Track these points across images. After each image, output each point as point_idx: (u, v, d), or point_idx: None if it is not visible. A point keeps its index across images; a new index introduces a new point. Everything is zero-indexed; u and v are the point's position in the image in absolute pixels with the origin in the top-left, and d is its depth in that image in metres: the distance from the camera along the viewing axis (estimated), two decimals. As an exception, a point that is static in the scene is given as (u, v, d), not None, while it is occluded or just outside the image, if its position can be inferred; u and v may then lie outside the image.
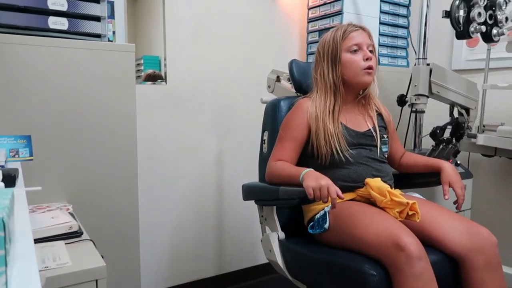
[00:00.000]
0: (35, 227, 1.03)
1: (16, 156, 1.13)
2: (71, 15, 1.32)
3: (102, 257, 0.96)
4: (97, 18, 1.38)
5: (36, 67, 1.26)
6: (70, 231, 1.06)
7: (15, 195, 0.54)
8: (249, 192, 1.37)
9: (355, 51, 1.27)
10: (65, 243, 1.01)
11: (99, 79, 1.35)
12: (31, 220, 0.65)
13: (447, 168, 1.29)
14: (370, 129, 1.32)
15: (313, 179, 1.10)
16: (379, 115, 1.38)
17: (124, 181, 1.42)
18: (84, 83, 1.33)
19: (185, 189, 1.99)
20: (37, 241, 0.99)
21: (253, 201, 1.38)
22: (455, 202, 1.25)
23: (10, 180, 0.81)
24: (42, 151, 1.27)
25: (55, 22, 1.30)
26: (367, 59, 1.27)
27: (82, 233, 1.08)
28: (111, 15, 1.65)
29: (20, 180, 0.87)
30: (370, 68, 1.27)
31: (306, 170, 1.15)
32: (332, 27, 2.08)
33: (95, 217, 1.36)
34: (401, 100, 1.76)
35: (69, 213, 1.19)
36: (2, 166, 0.92)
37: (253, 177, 1.54)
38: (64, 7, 1.31)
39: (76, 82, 1.32)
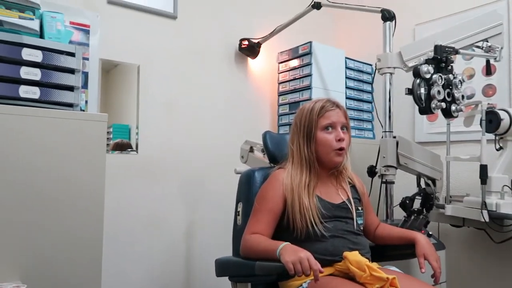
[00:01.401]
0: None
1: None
2: (44, 85, 1.31)
3: None
4: (70, 88, 1.37)
5: (1, 136, 1.20)
6: (22, 317, 0.94)
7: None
8: (222, 268, 1.30)
9: (329, 129, 1.31)
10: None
11: (68, 149, 1.30)
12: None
13: (421, 240, 1.29)
14: (344, 201, 1.32)
15: (292, 253, 1.06)
16: (353, 186, 1.39)
17: (86, 257, 1.31)
18: (52, 154, 1.28)
19: (152, 264, 1.87)
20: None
21: (227, 277, 1.31)
22: (432, 276, 1.23)
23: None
24: (-3, 226, 1.17)
25: (26, 91, 1.28)
26: (339, 140, 1.30)
27: (36, 319, 0.96)
28: (85, 85, 1.66)
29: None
30: (341, 149, 1.30)
31: (282, 244, 1.12)
32: (302, 101, 2.19)
33: (51, 298, 1.23)
34: (371, 171, 1.81)
35: (23, 295, 1.08)
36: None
37: (226, 252, 1.47)
38: (37, 77, 1.30)
39: (42, 153, 1.26)
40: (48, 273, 1.24)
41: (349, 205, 1.32)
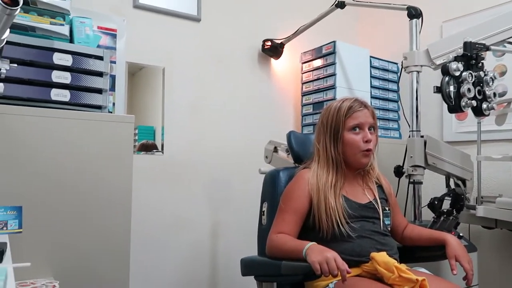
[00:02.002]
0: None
1: (4, 228, 1.08)
2: (74, 88, 1.35)
3: None
4: (99, 91, 1.41)
5: (34, 138, 1.25)
6: (55, 312, 0.97)
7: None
8: (248, 267, 1.30)
9: (356, 130, 1.28)
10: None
11: (97, 150, 1.34)
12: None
13: (452, 241, 1.25)
14: (371, 201, 1.30)
15: (318, 253, 1.05)
16: (379, 186, 1.37)
17: (115, 256, 1.34)
18: (81, 155, 1.32)
19: (178, 263, 1.89)
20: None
21: (252, 277, 1.31)
22: (464, 278, 1.20)
23: (-2, 255, 0.77)
24: (30, 224, 1.21)
25: (57, 94, 1.32)
26: (366, 141, 1.27)
27: (68, 315, 0.99)
28: (112, 88, 1.70)
29: (7, 255, 0.82)
30: (368, 150, 1.28)
31: (309, 244, 1.11)
32: (326, 101, 2.17)
33: (82, 295, 1.26)
34: (398, 171, 1.77)
35: (55, 291, 1.11)
36: (-10, 240, 0.87)
37: (251, 251, 1.47)
38: (67, 80, 1.34)
39: (72, 154, 1.30)
40: (79, 271, 1.28)
41: (375, 205, 1.29)
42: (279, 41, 2.29)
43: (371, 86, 2.29)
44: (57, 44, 1.34)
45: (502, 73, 2.08)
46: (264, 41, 2.28)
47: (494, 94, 1.52)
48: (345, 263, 1.04)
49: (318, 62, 2.25)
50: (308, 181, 1.27)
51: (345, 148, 1.29)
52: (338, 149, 1.29)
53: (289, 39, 2.28)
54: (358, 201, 1.28)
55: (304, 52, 2.34)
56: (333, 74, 2.16)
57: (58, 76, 1.32)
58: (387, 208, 1.33)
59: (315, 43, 2.28)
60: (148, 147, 1.95)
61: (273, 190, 1.41)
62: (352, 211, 1.24)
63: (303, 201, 1.26)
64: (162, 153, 1.92)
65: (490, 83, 1.51)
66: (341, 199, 1.25)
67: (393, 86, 2.40)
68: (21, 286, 1.14)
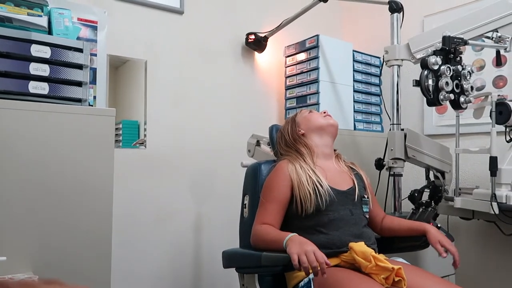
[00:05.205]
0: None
1: (-19, 223, 1.06)
2: (53, 80, 1.33)
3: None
4: (78, 83, 1.39)
5: (11, 131, 1.23)
6: (34, 306, 0.97)
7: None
8: (229, 259, 1.31)
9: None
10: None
11: (77, 144, 1.32)
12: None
13: (432, 229, 1.30)
14: (351, 188, 1.32)
15: (297, 245, 1.07)
16: (357, 174, 1.40)
17: (96, 252, 1.33)
18: (61, 148, 1.30)
19: (161, 256, 1.89)
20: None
21: (234, 269, 1.32)
22: (453, 263, 1.24)
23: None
24: (8, 219, 1.19)
25: (35, 87, 1.30)
26: (323, 113, 1.43)
27: (47, 309, 0.98)
28: (93, 81, 1.68)
29: (-17, 250, 0.81)
30: (326, 114, 1.43)
31: (289, 235, 1.12)
32: (309, 95, 2.18)
33: (62, 290, 1.25)
34: (379, 164, 1.80)
35: (35, 286, 1.10)
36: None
37: (234, 244, 1.48)
38: (46, 73, 1.32)
39: (52, 147, 1.28)
40: (59, 265, 1.27)
41: (354, 192, 1.32)
42: (262, 35, 2.29)
43: (354, 80, 2.31)
44: (35, 36, 1.31)
45: (481, 67, 2.12)
46: (248, 34, 2.28)
47: (472, 88, 1.55)
48: (324, 255, 1.06)
49: (302, 56, 2.26)
50: (287, 170, 1.30)
51: (306, 127, 1.41)
52: (297, 132, 1.41)
53: (272, 32, 2.28)
54: (338, 188, 1.30)
55: (287, 46, 2.35)
56: (316, 68, 2.17)
57: (36, 69, 1.30)
58: (366, 196, 1.35)
59: (299, 36, 2.28)
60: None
61: (254, 183, 1.42)
62: (332, 197, 1.26)
63: (284, 190, 1.28)
64: (145, 147, 1.91)
65: (468, 77, 1.54)
66: (323, 185, 1.26)
67: (375, 80, 2.42)
68: None
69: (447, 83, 1.48)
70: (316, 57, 2.17)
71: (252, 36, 2.27)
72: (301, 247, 1.06)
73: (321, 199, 1.23)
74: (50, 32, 1.40)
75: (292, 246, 1.08)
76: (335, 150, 1.44)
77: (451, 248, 1.24)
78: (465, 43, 1.58)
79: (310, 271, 1.04)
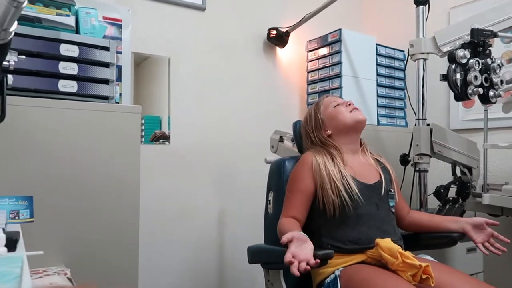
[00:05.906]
0: (32, 294, 0.97)
1: (16, 217, 1.10)
2: (81, 79, 1.36)
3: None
4: (105, 81, 1.42)
5: (43, 129, 1.27)
6: (67, 298, 1.00)
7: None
8: (255, 255, 1.32)
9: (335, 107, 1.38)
10: (62, 312, 0.95)
11: (104, 140, 1.36)
12: None
13: (470, 226, 1.31)
14: (377, 182, 1.31)
15: (296, 243, 1.04)
16: (384, 168, 1.38)
17: (124, 245, 1.37)
18: (89, 145, 1.33)
19: (185, 251, 1.92)
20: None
21: (259, 265, 1.33)
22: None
23: (11, 244, 0.79)
24: (41, 213, 1.23)
25: (65, 85, 1.34)
26: (349, 105, 1.37)
27: (80, 301, 1.02)
28: (118, 78, 1.71)
29: (20, 244, 0.84)
30: (353, 108, 1.37)
31: (292, 233, 1.09)
32: (332, 89, 2.16)
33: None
34: (404, 160, 1.77)
35: (67, 278, 1.14)
36: (3, 229, 0.89)
37: (258, 240, 1.49)
38: (74, 71, 1.35)
39: (81, 144, 1.32)
40: (90, 259, 1.30)
41: (381, 185, 1.31)
42: (284, 30, 2.28)
43: (377, 74, 2.28)
44: (64, 35, 1.35)
45: (510, 60, 2.05)
46: (269, 29, 2.27)
47: (501, 82, 1.51)
48: (310, 254, 1.00)
49: (324, 51, 2.24)
50: (312, 162, 1.29)
51: (332, 124, 1.36)
52: (323, 134, 1.37)
53: (294, 27, 2.27)
54: (365, 182, 1.29)
55: (309, 41, 2.33)
56: (339, 63, 2.15)
57: (65, 67, 1.33)
58: (392, 190, 1.34)
59: (321, 31, 2.26)
60: (160, 138, 1.96)
61: (279, 179, 1.43)
62: (359, 192, 1.25)
63: (307, 182, 1.28)
64: (169, 143, 1.94)
65: (497, 70, 1.49)
66: (349, 180, 1.25)
67: (399, 74, 2.38)
68: (34, 273, 1.17)
69: (476, 77, 1.44)
70: (339, 52, 2.15)
71: (274, 31, 2.27)
72: (297, 246, 1.03)
73: (347, 202, 1.22)
74: (77, 31, 1.44)
75: (291, 245, 1.05)
76: (361, 140, 1.41)
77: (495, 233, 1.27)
78: (494, 35, 1.54)
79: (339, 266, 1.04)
